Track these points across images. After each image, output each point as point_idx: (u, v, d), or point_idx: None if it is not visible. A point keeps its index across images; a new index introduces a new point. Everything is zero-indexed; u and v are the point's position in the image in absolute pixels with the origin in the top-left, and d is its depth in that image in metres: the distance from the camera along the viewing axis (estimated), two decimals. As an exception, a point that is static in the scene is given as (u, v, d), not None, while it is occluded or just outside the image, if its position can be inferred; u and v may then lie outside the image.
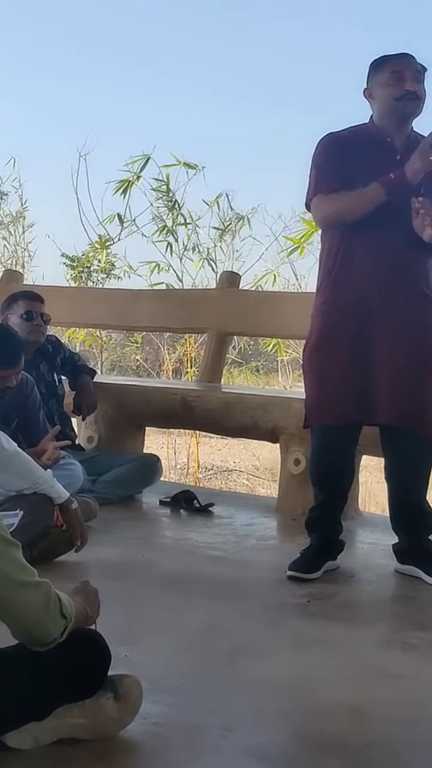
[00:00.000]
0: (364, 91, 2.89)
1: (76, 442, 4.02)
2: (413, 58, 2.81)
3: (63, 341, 4.54)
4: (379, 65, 2.83)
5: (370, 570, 3.00)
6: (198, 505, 3.80)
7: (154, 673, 1.96)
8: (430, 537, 2.92)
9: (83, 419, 4.16)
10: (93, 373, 4.20)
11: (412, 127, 2.87)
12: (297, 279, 7.62)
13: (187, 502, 3.83)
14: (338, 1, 14.38)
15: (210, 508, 3.79)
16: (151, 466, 4.04)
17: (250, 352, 9.85)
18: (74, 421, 4.17)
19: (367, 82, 2.87)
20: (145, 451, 4.58)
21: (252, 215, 7.71)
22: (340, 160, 2.83)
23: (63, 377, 4.01)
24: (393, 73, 2.77)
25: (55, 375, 3.93)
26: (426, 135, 2.77)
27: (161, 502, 3.89)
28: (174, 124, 14.23)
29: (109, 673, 1.70)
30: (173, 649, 2.19)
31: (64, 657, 1.60)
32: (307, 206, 2.94)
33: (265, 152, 14.20)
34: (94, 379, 4.14)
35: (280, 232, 7.46)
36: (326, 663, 2.16)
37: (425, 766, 1.71)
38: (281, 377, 9.40)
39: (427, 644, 2.32)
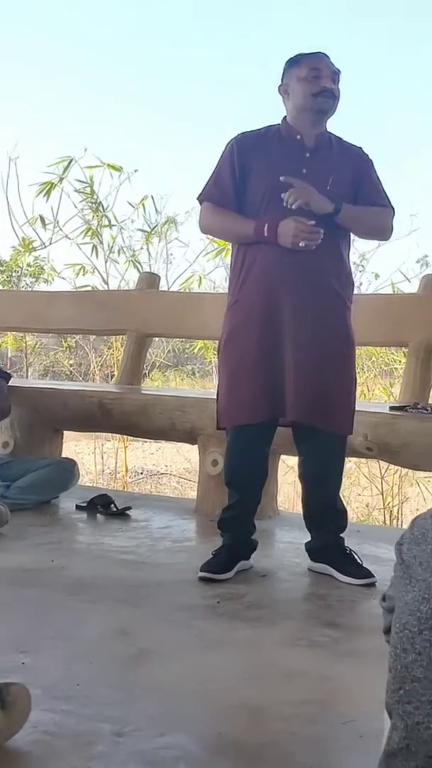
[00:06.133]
0: (279, 88, 2.88)
1: (-9, 448, 3.94)
2: (329, 58, 2.82)
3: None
4: (296, 62, 2.83)
5: (283, 569, 2.99)
6: (115, 509, 3.75)
7: (50, 680, 1.91)
8: (341, 535, 2.93)
9: (-3, 424, 4.07)
10: (8, 376, 4.10)
11: (326, 127, 2.88)
12: (226, 281, 7.59)
13: (104, 506, 3.77)
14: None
15: (127, 512, 3.74)
16: (66, 470, 3.98)
17: (185, 356, 9.77)
18: (-11, 426, 4.08)
19: (282, 78, 2.87)
20: (71, 456, 4.51)
21: (186, 219, 7.66)
22: (238, 168, 2.83)
23: (-24, 381, 3.92)
24: (312, 70, 2.78)
25: (-32, 379, 3.84)
26: (343, 139, 2.87)
27: (77, 507, 3.82)
28: (107, 130, 14.13)
29: (-4, 681, 1.64)
30: (73, 656, 2.13)
31: None
32: (199, 201, 2.94)
33: (198, 156, 14.20)
34: (8, 383, 4.05)
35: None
36: (230, 664, 2.13)
37: (318, 763, 1.69)
38: (216, 379, 9.35)
39: (333, 641, 2.31)
